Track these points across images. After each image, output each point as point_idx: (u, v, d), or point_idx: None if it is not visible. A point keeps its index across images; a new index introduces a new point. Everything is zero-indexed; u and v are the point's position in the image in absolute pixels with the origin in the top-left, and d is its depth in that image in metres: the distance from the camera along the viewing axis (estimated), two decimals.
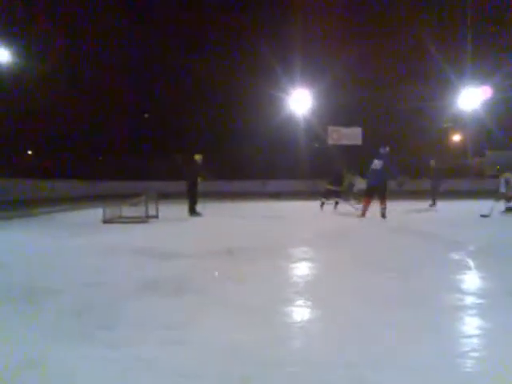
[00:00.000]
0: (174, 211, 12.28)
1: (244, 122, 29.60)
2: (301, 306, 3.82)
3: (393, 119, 30.64)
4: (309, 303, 3.89)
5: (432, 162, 15.69)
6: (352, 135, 30.97)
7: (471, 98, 26.77)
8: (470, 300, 3.89)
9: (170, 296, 4.12)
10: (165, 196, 14.04)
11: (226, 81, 29.11)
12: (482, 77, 26.16)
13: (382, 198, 10.79)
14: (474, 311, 3.59)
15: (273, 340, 2.99)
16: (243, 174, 28.57)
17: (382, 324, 3.27)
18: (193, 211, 11.84)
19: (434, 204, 14.78)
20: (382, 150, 11.11)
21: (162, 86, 32.59)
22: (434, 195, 14.94)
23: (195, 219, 11.45)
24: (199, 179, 11.85)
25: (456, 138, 36.75)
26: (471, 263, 5.56)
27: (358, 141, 30.84)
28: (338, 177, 13.95)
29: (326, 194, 13.88)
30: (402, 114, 30.40)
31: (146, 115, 36.98)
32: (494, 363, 2.61)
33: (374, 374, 2.44)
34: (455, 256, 6.15)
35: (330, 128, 31.08)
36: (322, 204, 13.74)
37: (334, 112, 29.98)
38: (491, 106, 26.76)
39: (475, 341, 2.97)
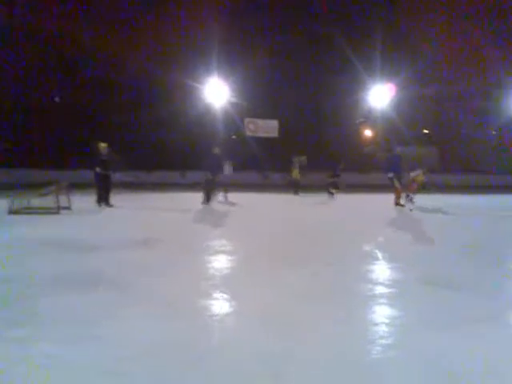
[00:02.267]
0: (87, 202, 11.39)
1: (162, 112, 28.70)
2: (217, 298, 3.89)
3: (312, 114, 31.34)
4: (225, 296, 3.94)
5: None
6: (269, 127, 31.21)
7: (381, 95, 28.05)
8: (380, 289, 4.07)
9: (85, 290, 4.01)
10: (80, 186, 13.07)
11: (143, 68, 28.04)
12: (391, 75, 27.54)
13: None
14: (384, 300, 3.87)
15: (190, 333, 3.04)
16: (162, 165, 27.72)
17: (296, 316, 3.40)
18: (102, 202, 11.10)
19: (332, 193, 15.69)
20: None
21: (77, 72, 30.54)
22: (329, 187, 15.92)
23: (109, 211, 10.86)
24: (98, 169, 11.11)
25: (368, 133, 38.48)
26: (380, 254, 5.65)
27: (275, 133, 31.17)
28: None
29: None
30: (320, 109, 31.21)
31: (57, 99, 34.30)
32: (402, 350, 2.83)
33: (286, 366, 2.56)
34: (366, 247, 6.23)
35: (247, 119, 31.08)
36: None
37: (252, 104, 30.03)
38: (398, 103, 28.27)
39: (384, 328, 3.18)
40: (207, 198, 12.32)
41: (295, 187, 17.05)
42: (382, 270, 5.02)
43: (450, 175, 25.91)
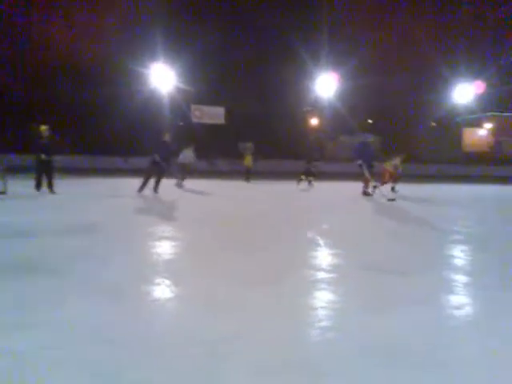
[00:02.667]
0: (26, 187, 10.80)
1: (105, 96, 27.68)
2: (159, 284, 3.84)
3: (258, 101, 31.36)
4: (167, 281, 3.89)
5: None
6: (215, 114, 31.03)
7: (326, 84, 28.47)
8: (321, 275, 4.04)
9: (21, 277, 3.86)
10: (17, 170, 12.42)
11: (85, 50, 26.92)
12: (336, 65, 28.02)
13: None
14: (324, 285, 3.97)
15: (131, 319, 3.00)
16: (106, 150, 26.84)
17: (239, 301, 3.44)
18: (41, 187, 10.56)
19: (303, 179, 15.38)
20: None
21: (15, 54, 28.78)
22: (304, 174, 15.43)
23: (48, 196, 10.33)
24: (43, 156, 10.54)
25: (314, 122, 39.02)
26: (323, 241, 5.77)
27: (221, 120, 31.02)
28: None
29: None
30: (267, 97, 31.28)
31: None
32: (340, 332, 2.92)
33: (226, 347, 2.60)
34: (310, 235, 6.34)
35: (193, 106, 30.73)
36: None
37: (199, 90, 29.61)
38: (342, 93, 28.85)
39: (323, 312, 3.28)
40: (142, 186, 11.36)
41: (246, 174, 17.07)
42: (323, 257, 5.14)
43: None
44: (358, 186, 12.64)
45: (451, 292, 3.82)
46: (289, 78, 29.53)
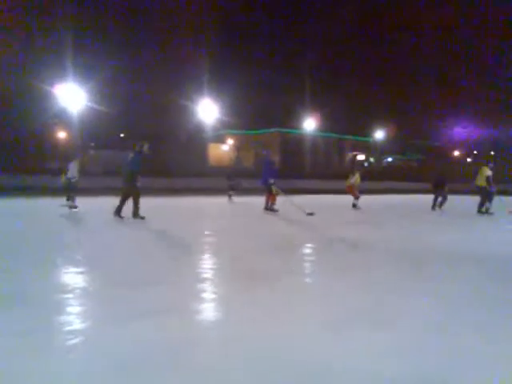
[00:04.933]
0: None
1: None
2: None
3: None
4: None
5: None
6: None
7: (74, 96, 27.41)
8: (70, 296, 3.94)
9: None
10: None
11: None
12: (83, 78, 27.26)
13: None
14: (72, 304, 3.72)
15: None
16: None
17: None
18: None
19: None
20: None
21: None
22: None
23: None
24: None
25: (62, 134, 36.95)
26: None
27: None
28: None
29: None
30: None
31: None
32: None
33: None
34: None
35: None
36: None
37: None
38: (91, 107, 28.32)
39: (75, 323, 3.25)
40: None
41: None
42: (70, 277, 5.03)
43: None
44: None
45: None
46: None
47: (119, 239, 7.95)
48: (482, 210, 14.16)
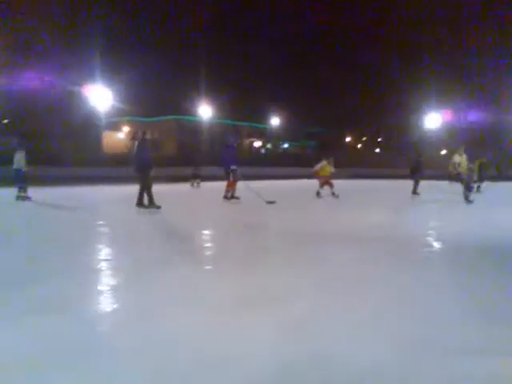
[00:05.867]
0: None
1: None
2: None
3: None
4: None
5: None
6: None
7: None
8: None
9: None
10: None
11: None
12: None
13: None
14: None
15: None
16: None
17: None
18: None
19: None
20: None
21: None
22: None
23: None
24: None
25: None
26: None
27: None
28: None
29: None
30: None
31: None
32: None
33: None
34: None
35: None
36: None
37: None
38: None
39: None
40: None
41: None
42: None
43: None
44: None
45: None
46: None
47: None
48: (469, 199, 13.29)
